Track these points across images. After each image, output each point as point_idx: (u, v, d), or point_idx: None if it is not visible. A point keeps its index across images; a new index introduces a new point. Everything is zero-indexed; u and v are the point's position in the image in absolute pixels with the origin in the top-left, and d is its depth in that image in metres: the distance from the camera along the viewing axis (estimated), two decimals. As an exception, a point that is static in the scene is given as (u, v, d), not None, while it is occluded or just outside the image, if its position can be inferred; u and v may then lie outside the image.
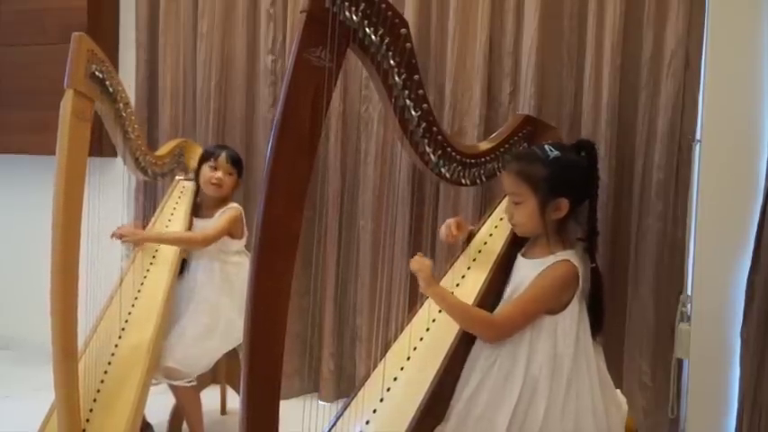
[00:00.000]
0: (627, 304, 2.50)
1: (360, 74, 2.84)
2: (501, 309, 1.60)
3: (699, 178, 2.32)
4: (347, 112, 2.92)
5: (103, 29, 3.23)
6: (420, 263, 1.62)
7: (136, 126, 2.19)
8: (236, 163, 2.51)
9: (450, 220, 1.88)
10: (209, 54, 3.10)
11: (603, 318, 1.65)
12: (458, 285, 1.76)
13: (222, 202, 2.50)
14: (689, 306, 2.39)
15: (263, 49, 3.02)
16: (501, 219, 1.90)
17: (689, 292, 2.41)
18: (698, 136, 2.37)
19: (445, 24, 2.73)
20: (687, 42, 2.39)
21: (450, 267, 1.87)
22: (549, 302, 1.55)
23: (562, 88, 2.59)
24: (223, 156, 2.47)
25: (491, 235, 1.86)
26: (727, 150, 2.28)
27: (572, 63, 2.57)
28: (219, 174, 2.47)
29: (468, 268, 1.80)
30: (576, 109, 2.58)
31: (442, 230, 1.88)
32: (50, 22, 3.32)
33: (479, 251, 1.83)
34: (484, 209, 2.67)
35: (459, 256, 1.87)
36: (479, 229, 1.92)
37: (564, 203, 1.59)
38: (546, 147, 1.63)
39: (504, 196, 1.97)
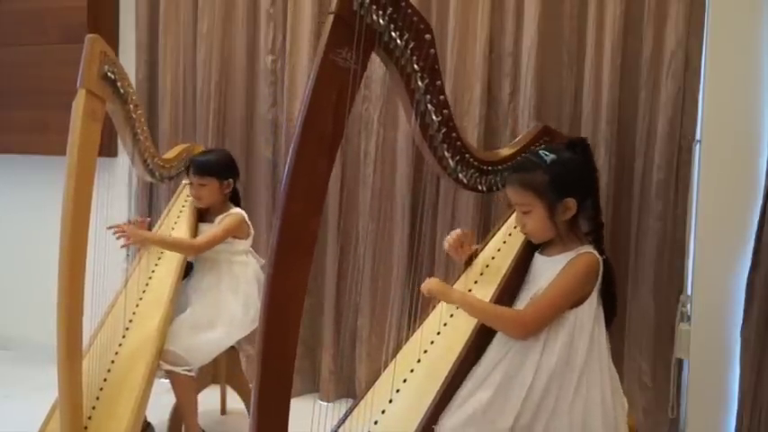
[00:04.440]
0: (627, 304, 2.51)
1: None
2: (528, 305, 1.61)
3: (699, 178, 2.33)
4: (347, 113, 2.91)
5: (103, 29, 3.21)
6: (428, 284, 1.64)
7: (145, 128, 2.20)
8: (205, 170, 2.43)
9: (459, 232, 1.85)
10: (209, 54, 3.10)
11: (616, 307, 1.68)
12: None
13: (222, 206, 2.49)
14: (689, 306, 2.39)
15: (263, 49, 3.02)
16: (510, 234, 1.88)
17: (689, 292, 2.41)
18: (698, 136, 2.38)
19: (445, 24, 2.73)
20: (687, 42, 2.39)
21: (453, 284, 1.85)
22: (576, 295, 1.57)
23: (562, 88, 2.59)
24: (191, 170, 2.45)
25: (499, 250, 1.85)
26: (727, 150, 2.28)
27: (572, 63, 2.57)
28: (194, 189, 2.47)
29: (476, 282, 1.79)
30: (575, 109, 2.58)
31: (450, 241, 1.84)
32: (50, 22, 3.33)
33: (487, 265, 1.82)
34: (483, 210, 2.67)
35: (460, 276, 1.85)
36: (483, 248, 1.90)
37: (571, 203, 1.61)
38: (540, 152, 1.64)
39: (510, 214, 1.97)
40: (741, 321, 2.21)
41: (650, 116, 2.46)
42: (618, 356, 2.47)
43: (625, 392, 1.78)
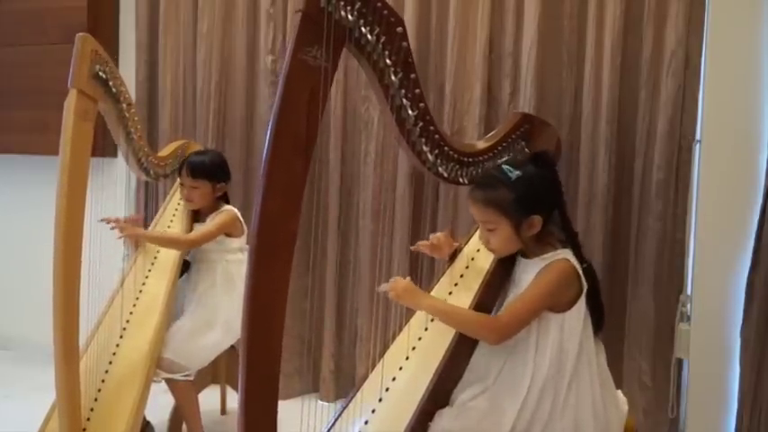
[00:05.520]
0: (627, 304, 2.50)
1: (360, 74, 2.84)
2: (502, 310, 1.60)
3: (699, 178, 2.33)
4: (348, 113, 2.92)
5: (103, 29, 3.23)
6: (395, 287, 1.58)
7: (139, 127, 2.20)
8: (199, 173, 2.41)
9: (441, 235, 1.85)
10: (209, 54, 3.10)
11: (603, 315, 1.66)
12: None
13: (214, 205, 2.48)
14: (689, 306, 2.39)
15: (263, 49, 3.02)
16: None
17: (689, 292, 2.41)
18: (698, 136, 2.37)
19: (445, 24, 2.73)
20: (687, 42, 2.39)
21: (435, 285, 1.84)
22: (550, 300, 1.55)
23: (562, 88, 2.59)
24: (183, 171, 2.43)
25: (478, 250, 1.83)
26: (727, 150, 2.28)
27: (572, 63, 2.57)
28: (185, 191, 2.46)
29: (456, 284, 1.78)
30: (575, 109, 2.58)
31: (431, 240, 1.84)
32: (50, 22, 3.33)
33: (467, 267, 1.80)
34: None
35: (443, 275, 1.84)
36: (466, 243, 1.89)
37: (537, 220, 1.58)
38: (504, 168, 1.60)
39: None
40: (741, 321, 2.21)
41: (650, 116, 2.45)
42: (618, 356, 2.48)
43: (625, 393, 1.78)
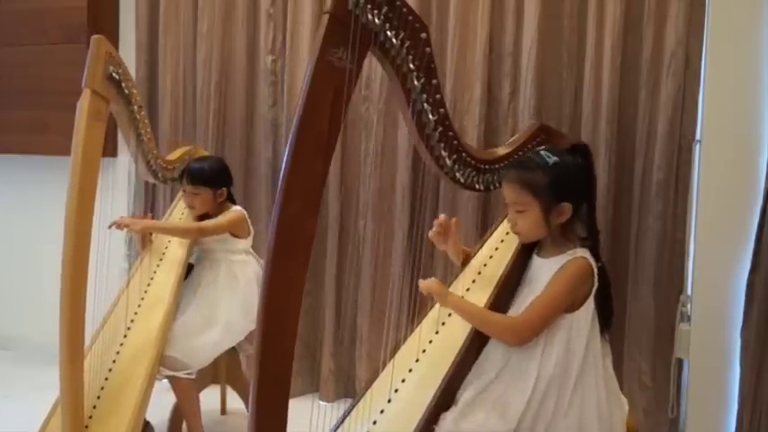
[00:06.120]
0: (627, 304, 2.51)
1: (360, 74, 2.83)
2: (522, 312, 1.60)
3: (699, 178, 2.33)
4: (348, 112, 2.91)
5: (103, 29, 3.21)
6: (427, 284, 1.62)
7: (149, 129, 2.20)
8: (198, 179, 2.42)
9: (442, 219, 1.82)
10: (209, 54, 3.10)
11: (613, 315, 1.67)
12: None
13: (220, 207, 2.49)
14: (689, 306, 2.40)
15: (263, 49, 3.02)
16: (502, 241, 1.87)
17: (689, 292, 2.41)
18: (698, 136, 2.38)
19: (445, 24, 2.73)
20: (687, 42, 2.39)
21: (449, 287, 1.82)
22: (569, 297, 1.56)
23: (562, 88, 2.59)
24: (184, 178, 2.44)
25: (491, 257, 1.83)
26: (727, 150, 2.28)
27: (572, 63, 2.57)
28: (187, 198, 2.47)
29: (468, 290, 1.78)
30: (575, 109, 2.58)
31: (434, 229, 1.82)
32: (50, 22, 3.33)
33: (479, 272, 1.81)
34: (483, 210, 2.67)
35: (453, 281, 1.84)
36: (478, 250, 1.89)
37: (567, 208, 1.60)
38: (543, 153, 1.62)
39: (501, 220, 1.96)
40: (741, 322, 2.21)
41: (650, 116, 2.46)
42: (618, 356, 2.45)
43: (625, 393, 1.78)
